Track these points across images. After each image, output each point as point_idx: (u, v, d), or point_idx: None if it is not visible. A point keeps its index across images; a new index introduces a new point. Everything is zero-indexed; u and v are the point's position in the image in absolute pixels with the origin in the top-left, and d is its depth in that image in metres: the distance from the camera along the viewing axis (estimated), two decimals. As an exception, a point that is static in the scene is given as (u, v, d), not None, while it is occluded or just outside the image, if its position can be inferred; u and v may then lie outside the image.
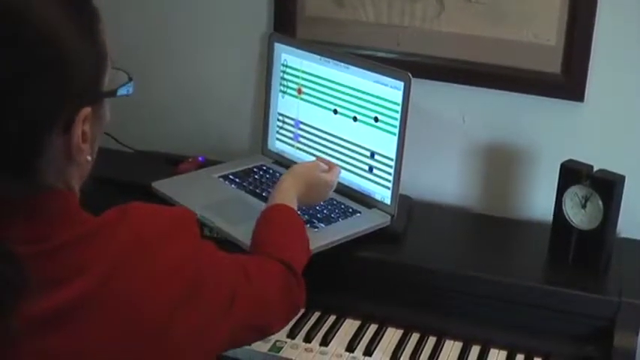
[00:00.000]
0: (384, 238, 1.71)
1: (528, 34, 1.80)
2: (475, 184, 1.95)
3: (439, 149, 1.94)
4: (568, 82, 1.79)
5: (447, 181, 1.95)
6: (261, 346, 1.56)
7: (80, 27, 0.95)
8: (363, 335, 1.62)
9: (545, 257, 1.71)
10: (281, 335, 1.58)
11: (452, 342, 1.62)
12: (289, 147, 1.92)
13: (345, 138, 1.79)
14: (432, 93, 1.88)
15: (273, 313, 1.30)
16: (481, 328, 1.61)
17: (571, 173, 1.64)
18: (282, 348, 1.57)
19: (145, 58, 2.10)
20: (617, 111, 1.80)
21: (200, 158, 1.98)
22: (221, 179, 1.86)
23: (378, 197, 1.75)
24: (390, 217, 1.73)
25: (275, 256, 1.35)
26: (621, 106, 1.79)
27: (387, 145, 1.71)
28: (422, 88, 1.76)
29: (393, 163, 1.71)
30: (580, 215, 1.64)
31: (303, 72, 1.85)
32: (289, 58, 1.88)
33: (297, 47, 1.86)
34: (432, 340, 1.62)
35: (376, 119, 1.72)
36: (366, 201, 1.77)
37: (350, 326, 1.65)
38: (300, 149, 1.89)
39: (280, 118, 1.93)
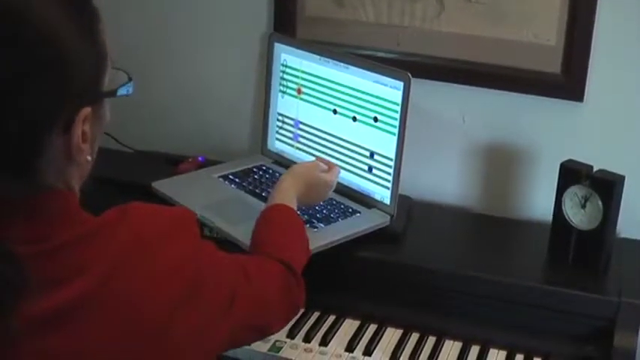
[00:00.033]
0: (383, 238, 1.71)
1: (528, 34, 1.80)
2: (475, 184, 1.95)
3: (439, 149, 1.94)
4: (568, 82, 1.79)
5: (446, 181, 1.95)
6: (261, 346, 1.56)
7: (80, 27, 0.95)
8: (363, 335, 1.62)
9: (545, 257, 1.71)
10: (280, 335, 1.58)
11: (451, 342, 1.62)
12: (289, 147, 1.92)
13: (344, 138, 1.79)
14: (432, 93, 1.88)
15: (273, 313, 1.30)
16: (481, 328, 1.61)
17: (571, 173, 1.64)
18: (281, 348, 1.57)
19: (145, 58, 2.10)
20: (617, 111, 1.80)
21: (200, 158, 1.98)
22: (221, 179, 1.86)
23: (377, 197, 1.75)
24: (389, 217, 1.73)
25: (275, 256, 1.35)
26: (621, 106, 1.79)
27: (386, 145, 1.71)
28: (422, 88, 1.76)
29: (392, 163, 1.71)
30: (580, 215, 1.64)
31: (303, 72, 1.85)
32: (289, 58, 1.88)
33: (297, 47, 1.86)
34: (431, 340, 1.62)
35: (376, 119, 1.72)
36: (365, 201, 1.77)
37: (349, 326, 1.65)
38: (300, 149, 1.89)
39: (280, 118, 1.93)
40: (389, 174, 1.72)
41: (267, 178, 1.87)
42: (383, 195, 1.74)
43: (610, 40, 1.75)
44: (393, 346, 1.59)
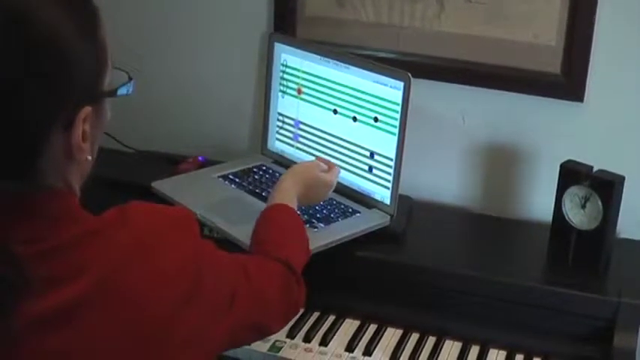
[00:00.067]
0: (383, 238, 1.71)
1: (528, 34, 1.80)
2: (475, 184, 1.95)
3: (439, 149, 1.94)
4: (568, 82, 1.79)
5: (446, 181, 1.95)
6: (261, 346, 1.56)
7: (80, 27, 0.95)
8: (363, 335, 1.62)
9: (544, 257, 1.71)
10: (280, 335, 1.58)
11: (451, 342, 1.62)
12: (289, 147, 1.92)
13: (344, 138, 1.79)
14: (432, 93, 1.88)
15: (273, 312, 1.30)
16: (481, 328, 1.61)
17: (571, 173, 1.64)
18: (281, 348, 1.57)
19: (145, 58, 2.09)
20: (617, 111, 1.80)
21: (200, 158, 1.98)
22: (221, 179, 1.86)
23: (377, 197, 1.75)
24: (389, 217, 1.73)
25: (275, 255, 1.35)
26: (621, 106, 1.79)
27: (386, 145, 1.71)
28: (422, 88, 1.76)
29: (392, 163, 1.71)
30: (580, 215, 1.64)
31: (303, 72, 1.85)
32: (289, 58, 1.88)
33: (297, 47, 1.86)
34: (431, 340, 1.62)
35: (376, 119, 1.72)
36: (365, 201, 1.77)
37: (349, 326, 1.65)
38: (300, 149, 1.89)
39: (280, 118, 1.93)
40: (389, 174, 1.72)
41: (267, 178, 1.87)
42: (383, 195, 1.74)
43: (610, 41, 1.75)
44: (393, 346, 1.59)
